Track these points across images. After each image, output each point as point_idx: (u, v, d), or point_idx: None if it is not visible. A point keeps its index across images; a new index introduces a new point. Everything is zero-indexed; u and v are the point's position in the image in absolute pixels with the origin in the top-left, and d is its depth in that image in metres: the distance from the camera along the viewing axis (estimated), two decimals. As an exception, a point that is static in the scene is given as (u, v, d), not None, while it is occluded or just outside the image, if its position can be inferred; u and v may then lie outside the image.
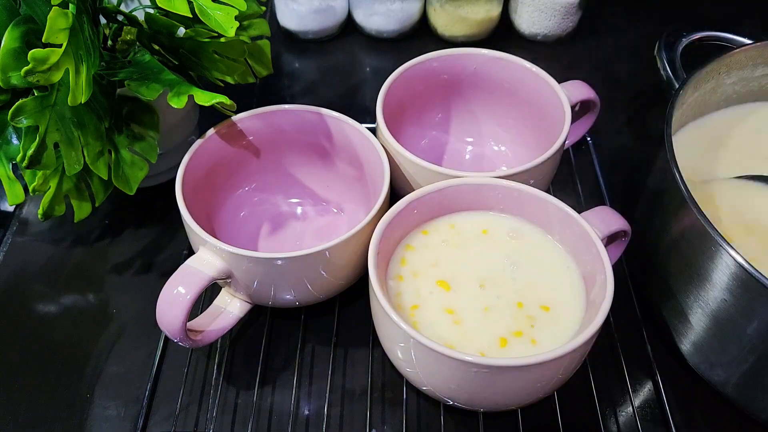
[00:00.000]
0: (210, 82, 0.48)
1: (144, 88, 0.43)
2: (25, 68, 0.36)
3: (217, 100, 0.42)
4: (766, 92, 0.53)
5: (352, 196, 0.52)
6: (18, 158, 0.40)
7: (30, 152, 0.40)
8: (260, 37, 0.55)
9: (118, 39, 0.47)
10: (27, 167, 0.41)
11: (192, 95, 0.43)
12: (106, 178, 0.45)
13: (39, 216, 0.45)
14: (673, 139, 0.43)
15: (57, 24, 0.37)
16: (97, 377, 0.46)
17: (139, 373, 0.46)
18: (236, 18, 0.41)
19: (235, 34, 0.41)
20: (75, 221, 0.48)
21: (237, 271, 0.42)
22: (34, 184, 0.43)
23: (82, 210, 0.48)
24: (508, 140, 0.57)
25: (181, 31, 0.46)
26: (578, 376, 0.43)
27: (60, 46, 0.37)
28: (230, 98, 0.45)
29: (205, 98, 0.42)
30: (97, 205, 0.48)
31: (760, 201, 0.47)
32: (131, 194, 0.48)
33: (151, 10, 0.47)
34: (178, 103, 0.42)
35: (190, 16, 0.40)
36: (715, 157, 0.51)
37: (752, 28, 0.53)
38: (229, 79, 0.49)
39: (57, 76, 0.38)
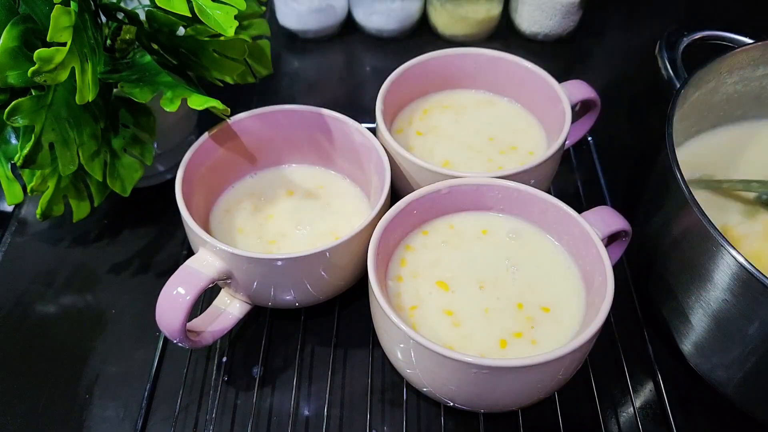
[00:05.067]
0: (209, 83, 0.48)
1: (137, 90, 0.43)
2: (32, 69, 0.36)
3: (211, 105, 0.42)
4: (766, 92, 0.53)
5: (352, 197, 0.52)
6: (15, 158, 0.40)
7: (25, 152, 0.40)
8: (260, 37, 0.55)
9: (117, 38, 0.47)
10: (22, 167, 0.41)
11: (185, 98, 0.42)
12: (100, 179, 0.45)
13: (37, 216, 0.44)
14: (676, 146, 0.43)
15: (60, 22, 0.37)
16: (96, 378, 0.46)
17: (138, 373, 0.46)
18: (236, 17, 0.41)
19: (235, 34, 0.41)
20: (74, 221, 0.48)
21: (237, 271, 0.42)
22: (32, 184, 0.43)
23: (80, 210, 0.48)
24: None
25: (182, 31, 0.46)
26: (579, 377, 0.43)
27: (64, 44, 0.37)
28: (230, 98, 0.45)
29: (199, 102, 0.42)
30: (96, 205, 0.48)
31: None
32: (125, 195, 0.48)
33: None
34: (171, 106, 0.42)
35: (189, 15, 0.40)
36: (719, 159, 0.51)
37: (753, 27, 0.53)
38: (228, 79, 0.48)
39: (63, 75, 0.38)
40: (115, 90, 0.46)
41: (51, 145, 0.41)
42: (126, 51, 0.47)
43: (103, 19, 0.47)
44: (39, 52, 0.36)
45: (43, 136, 0.40)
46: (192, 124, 0.58)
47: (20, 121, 0.39)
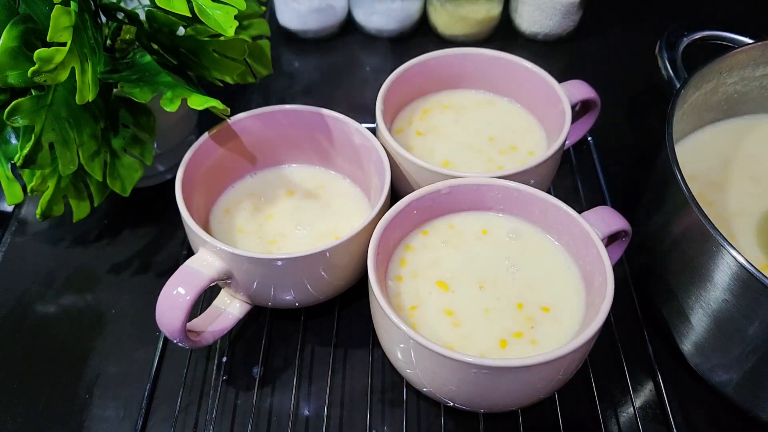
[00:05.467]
0: (209, 83, 0.48)
1: (137, 90, 0.43)
2: (32, 69, 0.36)
3: (211, 105, 0.42)
4: (767, 93, 0.53)
5: (352, 197, 0.52)
6: (15, 158, 0.40)
7: (25, 152, 0.40)
8: (260, 37, 0.55)
9: (117, 39, 0.46)
10: (22, 167, 0.41)
11: (185, 98, 0.42)
12: (100, 179, 0.45)
13: (37, 216, 0.44)
14: (677, 146, 0.43)
15: (60, 22, 0.37)
16: (96, 378, 0.46)
17: (138, 373, 0.46)
18: (236, 18, 0.41)
19: (235, 34, 0.41)
20: (74, 221, 0.48)
21: (237, 271, 0.42)
22: (32, 184, 0.43)
23: (80, 210, 0.48)
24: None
25: (181, 30, 0.46)
26: (579, 377, 0.43)
27: (64, 44, 0.37)
28: (230, 98, 0.45)
29: (199, 102, 0.42)
30: (95, 205, 0.48)
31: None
32: (126, 195, 0.48)
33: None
34: (171, 106, 0.42)
35: (189, 15, 0.40)
36: (718, 160, 0.51)
37: (753, 27, 0.53)
38: (228, 79, 0.48)
39: (64, 75, 0.38)
40: (115, 90, 0.46)
41: (51, 145, 0.41)
42: (126, 51, 0.47)
43: (104, 19, 0.47)
44: (39, 52, 0.36)
45: (43, 136, 0.40)
46: (192, 124, 0.58)
47: (20, 121, 0.39)
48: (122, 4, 0.46)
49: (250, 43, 0.52)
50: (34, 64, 0.37)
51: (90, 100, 0.40)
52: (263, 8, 0.55)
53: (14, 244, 0.54)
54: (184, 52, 0.46)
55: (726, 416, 0.45)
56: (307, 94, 0.67)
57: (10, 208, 0.57)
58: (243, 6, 0.42)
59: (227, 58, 0.47)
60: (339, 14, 0.71)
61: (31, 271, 0.52)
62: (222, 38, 0.45)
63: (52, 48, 0.37)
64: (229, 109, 0.44)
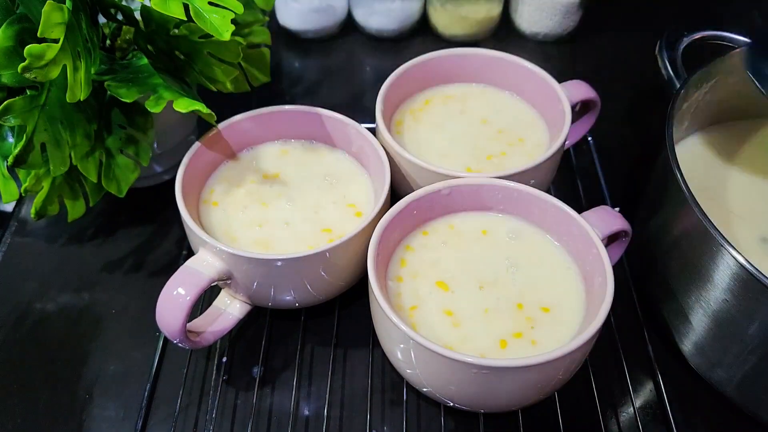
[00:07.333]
0: (206, 89, 0.48)
1: (124, 90, 0.42)
2: (22, 64, 0.36)
3: (195, 108, 0.42)
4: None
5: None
6: (9, 158, 0.40)
7: (16, 151, 0.40)
8: (261, 46, 0.54)
9: (117, 39, 0.46)
10: (13, 166, 0.40)
11: (171, 101, 0.42)
12: (95, 180, 0.45)
13: (31, 215, 0.44)
14: (677, 146, 0.43)
15: (52, 18, 0.37)
16: (96, 378, 0.46)
17: (138, 373, 0.46)
18: (237, 26, 0.41)
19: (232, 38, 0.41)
20: (68, 221, 0.48)
21: (237, 272, 0.42)
22: (26, 184, 0.43)
23: (75, 210, 0.47)
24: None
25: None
26: (579, 377, 0.43)
27: (56, 41, 0.37)
28: (229, 98, 0.44)
29: (184, 105, 0.42)
30: (91, 204, 0.48)
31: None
32: (121, 196, 0.47)
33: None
34: (155, 108, 0.42)
35: (185, 19, 0.40)
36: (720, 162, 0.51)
37: (753, 27, 0.53)
38: (221, 87, 0.48)
39: (55, 72, 0.37)
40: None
41: (43, 146, 0.41)
42: (126, 51, 0.47)
43: (103, 20, 0.47)
44: (30, 48, 0.36)
45: (35, 136, 0.40)
46: (192, 124, 0.58)
47: (12, 121, 0.39)
48: (124, 3, 0.46)
49: (246, 47, 0.52)
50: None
51: (81, 99, 0.39)
52: (266, 18, 0.54)
53: (14, 244, 0.54)
54: (180, 56, 0.46)
55: (726, 416, 0.45)
56: (307, 94, 0.67)
57: (10, 208, 0.57)
58: (240, 10, 0.41)
59: (222, 61, 0.46)
60: (339, 14, 0.71)
61: (31, 271, 0.52)
62: (213, 38, 0.45)
63: (44, 44, 0.37)
64: (215, 116, 0.44)
